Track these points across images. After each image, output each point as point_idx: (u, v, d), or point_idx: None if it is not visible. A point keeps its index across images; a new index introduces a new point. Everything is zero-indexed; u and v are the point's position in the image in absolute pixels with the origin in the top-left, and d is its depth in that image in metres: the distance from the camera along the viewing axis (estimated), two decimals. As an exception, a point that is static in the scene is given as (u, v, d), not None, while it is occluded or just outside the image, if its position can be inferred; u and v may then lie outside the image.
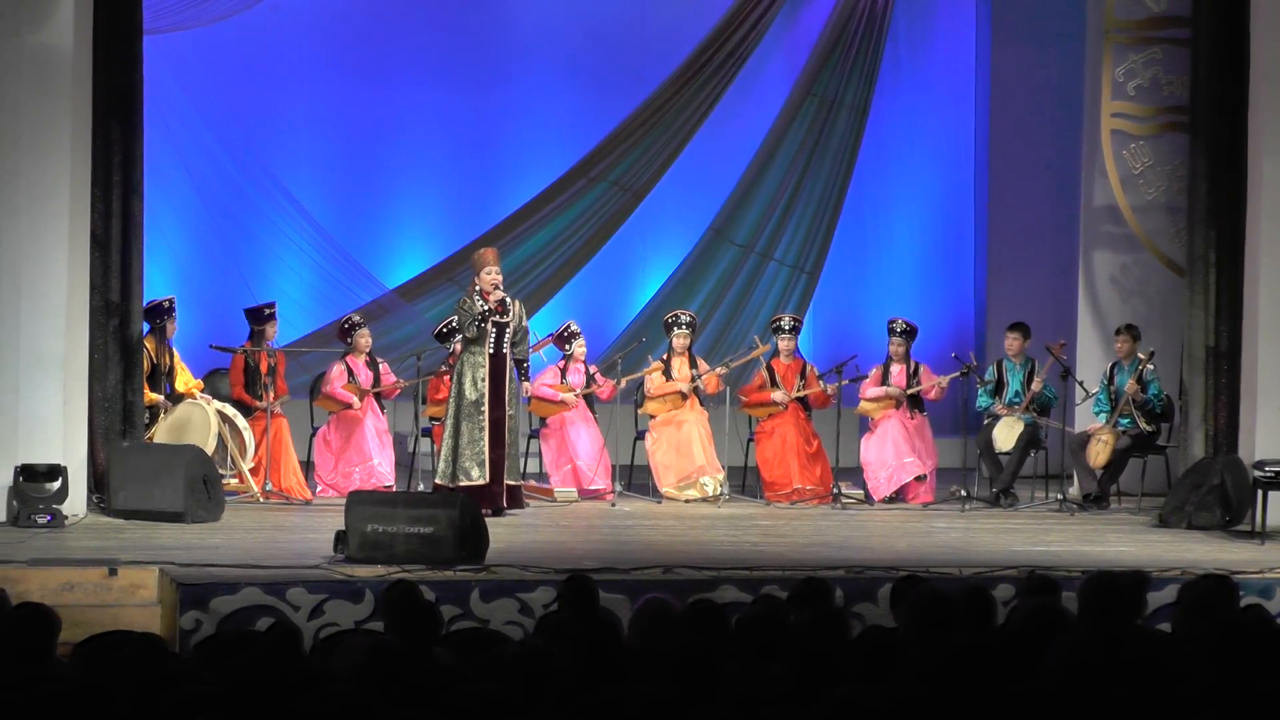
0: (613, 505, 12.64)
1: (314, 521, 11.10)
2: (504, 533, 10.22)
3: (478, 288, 11.79)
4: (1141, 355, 12.80)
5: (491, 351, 11.75)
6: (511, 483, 11.81)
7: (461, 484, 11.50)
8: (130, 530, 10.67)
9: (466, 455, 11.63)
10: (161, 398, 12.22)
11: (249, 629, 7.64)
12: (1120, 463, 12.82)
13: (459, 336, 12.07)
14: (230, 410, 12.34)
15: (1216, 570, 8.40)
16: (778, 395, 13.22)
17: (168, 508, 10.97)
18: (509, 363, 11.83)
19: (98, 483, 11.41)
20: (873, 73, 16.37)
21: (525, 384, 12.30)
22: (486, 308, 11.71)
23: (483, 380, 11.68)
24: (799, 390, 13.26)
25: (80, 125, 11.12)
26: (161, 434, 12.00)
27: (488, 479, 11.60)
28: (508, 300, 11.85)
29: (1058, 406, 13.29)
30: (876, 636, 5.52)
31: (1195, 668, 5.22)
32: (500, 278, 11.87)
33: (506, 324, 11.78)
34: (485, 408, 11.66)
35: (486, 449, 11.64)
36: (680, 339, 13.35)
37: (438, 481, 11.71)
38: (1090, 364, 13.61)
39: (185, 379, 12.49)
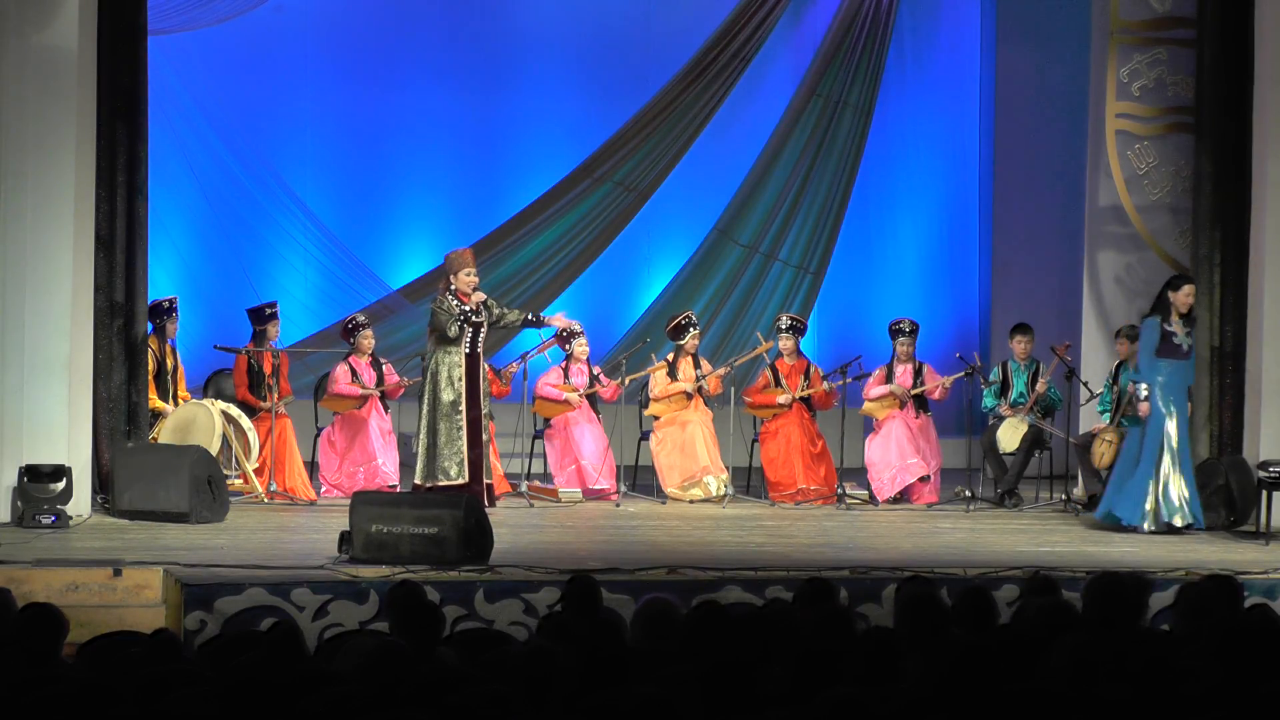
0: (617, 506, 12.64)
1: (319, 522, 11.10)
2: (508, 533, 10.22)
3: (452, 287, 11.81)
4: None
5: (468, 351, 11.79)
6: (488, 480, 11.84)
7: (440, 483, 11.53)
8: (135, 531, 10.67)
9: (445, 455, 11.65)
10: (169, 407, 12.22)
11: (253, 629, 7.64)
12: (1125, 463, 12.81)
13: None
14: (235, 411, 12.34)
15: (1221, 571, 8.39)
16: (782, 396, 13.22)
17: (172, 508, 10.97)
18: (482, 362, 11.88)
19: (102, 483, 11.41)
20: (877, 73, 16.39)
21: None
22: (468, 308, 11.73)
23: (459, 380, 11.71)
24: (803, 390, 13.26)
25: (85, 126, 11.13)
26: (166, 434, 12.00)
27: (467, 478, 11.62)
28: (487, 301, 11.88)
29: (1062, 408, 13.28)
30: (878, 637, 5.52)
31: (1200, 668, 5.22)
32: (478, 278, 11.92)
33: (482, 324, 11.82)
34: (463, 407, 11.69)
35: (465, 448, 11.66)
36: (693, 340, 13.36)
37: (416, 481, 11.72)
38: (1095, 364, 13.61)
39: (180, 387, 12.52)
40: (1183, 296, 11.66)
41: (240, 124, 15.25)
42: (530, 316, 12.23)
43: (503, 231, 15.80)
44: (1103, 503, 11.77)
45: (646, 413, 13.52)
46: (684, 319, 13.49)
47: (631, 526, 11.64)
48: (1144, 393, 11.52)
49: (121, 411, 11.57)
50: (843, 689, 4.84)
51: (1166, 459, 11.51)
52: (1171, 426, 11.55)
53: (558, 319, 12.46)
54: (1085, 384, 13.16)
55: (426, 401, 11.74)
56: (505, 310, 12.02)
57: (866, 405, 13.41)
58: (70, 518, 10.73)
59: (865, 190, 16.60)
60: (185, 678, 5.01)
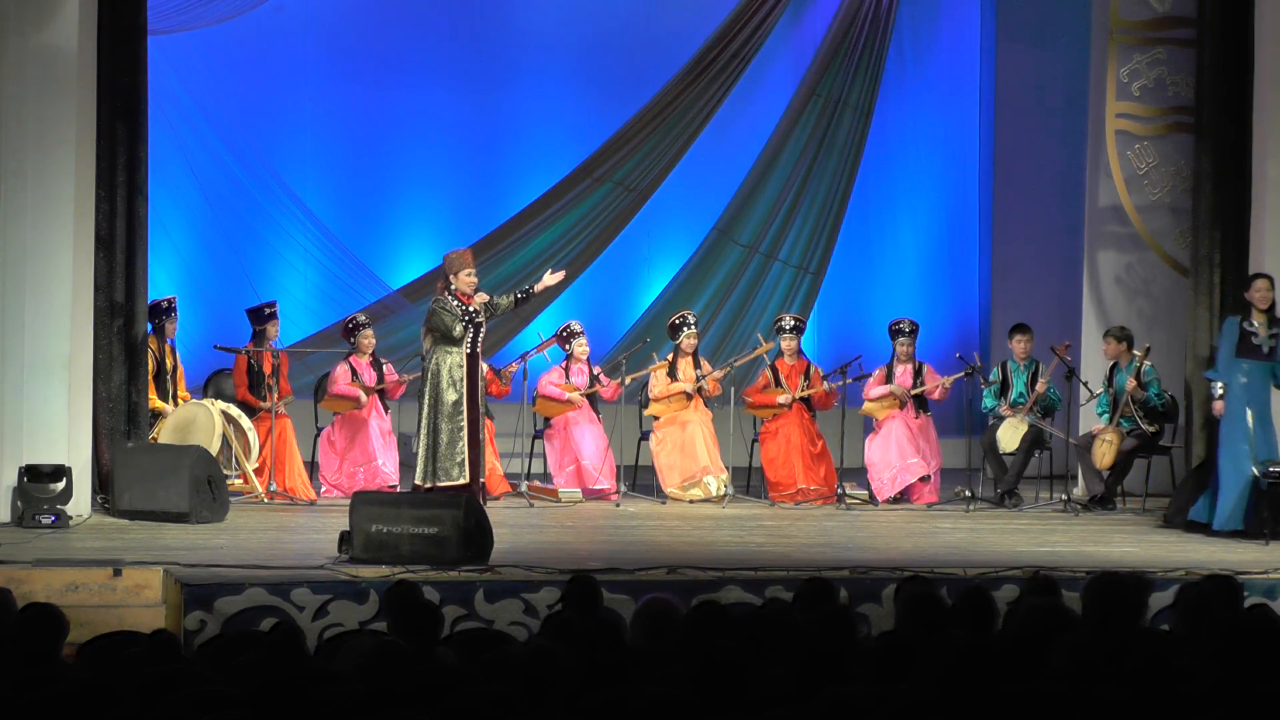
0: (617, 505, 12.64)
1: (318, 522, 11.10)
2: (508, 533, 10.21)
3: (452, 287, 11.78)
4: (1137, 353, 12.80)
5: (468, 351, 11.77)
6: (481, 479, 11.84)
7: (441, 484, 11.53)
8: (135, 531, 10.67)
9: (447, 456, 11.63)
10: (169, 407, 12.21)
11: (253, 629, 7.64)
12: (1126, 463, 12.82)
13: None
14: (235, 411, 12.35)
15: (1221, 571, 8.38)
16: (782, 396, 13.22)
17: (172, 508, 10.97)
18: (481, 362, 11.87)
19: (102, 483, 11.41)
20: (877, 73, 16.39)
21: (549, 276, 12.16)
22: (471, 309, 11.71)
23: (461, 381, 11.70)
24: (803, 390, 13.26)
25: (85, 126, 11.13)
26: (166, 434, 12.00)
27: (467, 478, 11.62)
28: (490, 301, 11.85)
29: (1062, 408, 13.28)
30: (884, 639, 5.53)
31: (1200, 668, 5.22)
32: (478, 279, 11.90)
33: (482, 324, 11.81)
34: (464, 408, 11.68)
35: (466, 449, 11.66)
36: (689, 340, 13.35)
37: (416, 482, 11.72)
38: (1095, 364, 13.61)
39: (179, 387, 12.52)
40: (1253, 292, 11.42)
41: (240, 124, 15.25)
42: (519, 294, 12.16)
43: (503, 231, 15.79)
44: (1215, 510, 11.29)
45: (646, 413, 13.52)
46: (678, 318, 13.48)
47: (631, 526, 11.64)
48: (1218, 391, 11.35)
49: (121, 411, 11.57)
50: (842, 689, 4.85)
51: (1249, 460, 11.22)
52: (1251, 428, 11.24)
53: (546, 279, 12.24)
54: (1085, 384, 13.16)
55: (428, 402, 11.72)
56: (498, 301, 12.00)
57: (866, 405, 13.41)
58: (70, 518, 10.73)
59: (865, 190, 16.60)
60: (185, 678, 5.01)
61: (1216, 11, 12.58)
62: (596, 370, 13.44)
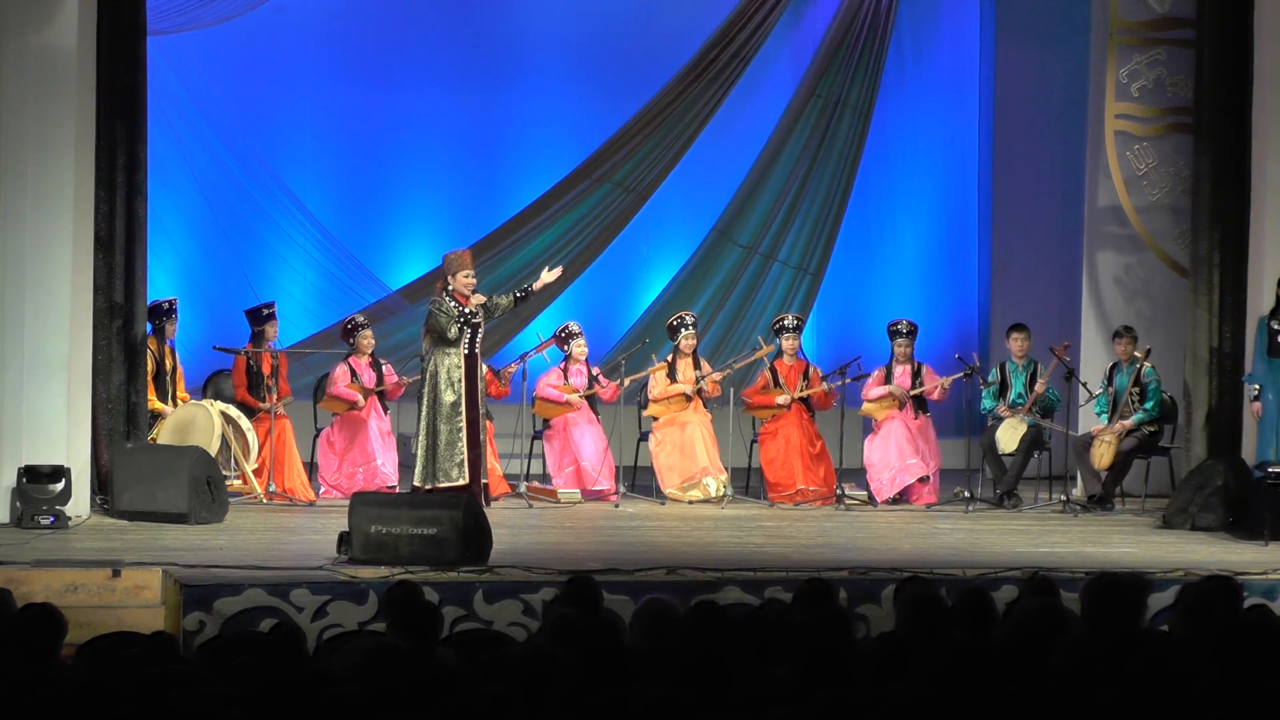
0: (616, 506, 12.64)
1: (318, 523, 11.10)
2: (507, 534, 10.22)
3: (450, 287, 11.79)
4: (1138, 354, 12.80)
5: (466, 352, 11.77)
6: (484, 480, 11.83)
7: (441, 485, 11.53)
8: (134, 531, 10.68)
9: (445, 457, 11.64)
10: (169, 408, 12.21)
11: (253, 630, 7.65)
12: (1124, 464, 12.82)
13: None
14: (234, 411, 12.35)
15: (1221, 571, 8.39)
16: (781, 397, 13.22)
17: (171, 509, 10.98)
18: (480, 363, 11.87)
19: (101, 484, 11.42)
20: (877, 74, 16.38)
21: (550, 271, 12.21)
22: (468, 310, 11.72)
23: (459, 382, 11.70)
24: (802, 391, 13.26)
25: (85, 126, 11.13)
26: (165, 435, 12.00)
27: (467, 479, 11.62)
28: (486, 304, 11.85)
29: (1061, 409, 13.29)
30: (884, 640, 5.52)
31: (1200, 668, 5.21)
32: (475, 280, 11.90)
33: (479, 325, 11.81)
34: (463, 409, 11.68)
35: (465, 450, 11.66)
36: (687, 340, 13.35)
37: (415, 483, 11.72)
38: (1094, 365, 13.61)
39: (179, 388, 12.52)
40: None
41: (240, 124, 15.24)
42: (519, 293, 12.17)
43: (502, 232, 15.79)
44: None
45: (645, 414, 13.52)
46: (677, 319, 13.48)
47: (630, 527, 11.64)
48: (1253, 392, 11.34)
49: (121, 412, 11.58)
50: (841, 689, 4.85)
51: None
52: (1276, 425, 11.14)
53: (544, 276, 12.21)
54: (1084, 384, 13.16)
55: (426, 403, 11.74)
56: (498, 301, 12.00)
57: (865, 406, 13.41)
58: (69, 518, 10.74)
59: (865, 190, 16.59)
60: (184, 678, 5.01)
61: (1216, 12, 12.58)
62: (595, 371, 13.44)
